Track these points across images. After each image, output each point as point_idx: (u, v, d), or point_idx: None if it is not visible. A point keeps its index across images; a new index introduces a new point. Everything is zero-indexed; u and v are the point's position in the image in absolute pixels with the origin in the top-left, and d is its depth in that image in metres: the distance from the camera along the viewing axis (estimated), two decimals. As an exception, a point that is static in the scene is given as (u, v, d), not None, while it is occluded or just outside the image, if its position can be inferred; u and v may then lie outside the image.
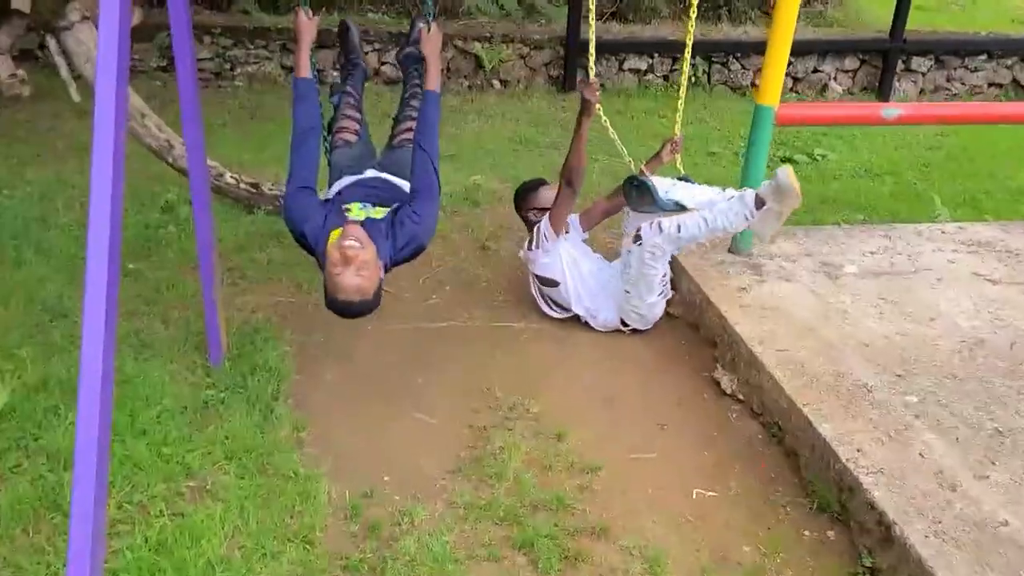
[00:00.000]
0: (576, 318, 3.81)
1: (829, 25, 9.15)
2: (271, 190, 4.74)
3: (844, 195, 5.32)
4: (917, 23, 7.64)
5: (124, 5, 2.37)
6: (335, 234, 2.61)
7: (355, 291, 2.52)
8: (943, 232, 4.35)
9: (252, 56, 7.27)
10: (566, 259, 3.71)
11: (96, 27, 4.39)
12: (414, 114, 3.44)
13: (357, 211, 2.80)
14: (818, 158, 5.88)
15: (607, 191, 4.40)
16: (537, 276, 3.80)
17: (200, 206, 3.21)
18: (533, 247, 3.70)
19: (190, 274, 4.02)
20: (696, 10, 3.60)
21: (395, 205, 2.80)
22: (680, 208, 3.53)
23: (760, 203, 3.42)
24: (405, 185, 3.02)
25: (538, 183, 3.91)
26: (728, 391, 3.32)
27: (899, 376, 3.05)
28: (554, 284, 3.74)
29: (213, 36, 7.12)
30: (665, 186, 3.61)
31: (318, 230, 2.65)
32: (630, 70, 7.54)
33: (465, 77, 7.43)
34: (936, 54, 7.75)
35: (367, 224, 2.65)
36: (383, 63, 7.31)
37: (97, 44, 4.45)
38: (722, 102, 7.31)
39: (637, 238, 3.52)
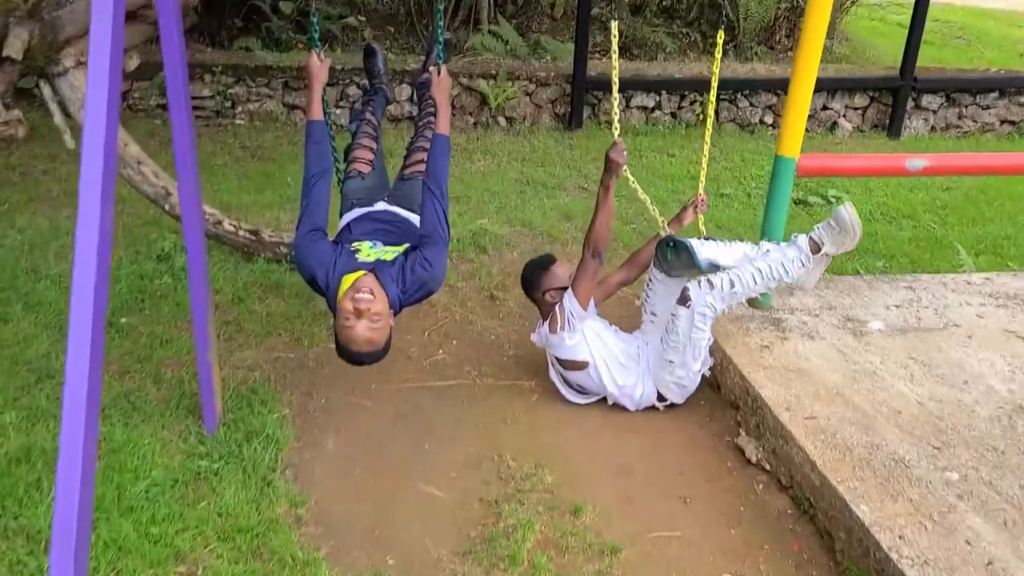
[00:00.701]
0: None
1: (836, 61, 9.08)
2: (271, 237, 4.58)
3: (862, 240, 5.04)
4: (923, 58, 7.53)
5: (115, 54, 2.25)
6: (347, 280, 2.63)
7: (366, 343, 2.58)
8: (969, 283, 4.18)
9: (254, 94, 7.15)
10: (591, 337, 3.35)
11: (91, 72, 4.26)
12: (426, 144, 3.37)
13: (367, 251, 2.79)
14: (832, 200, 5.73)
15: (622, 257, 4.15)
16: (560, 360, 3.42)
17: (195, 268, 3.03)
18: (558, 329, 3.33)
19: (186, 328, 3.85)
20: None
21: (405, 247, 2.79)
22: (716, 269, 3.28)
23: (816, 247, 3.26)
24: (414, 218, 3.04)
25: (548, 261, 3.55)
26: (753, 460, 3.14)
27: (937, 449, 2.87)
28: (582, 367, 3.36)
29: (214, 74, 7.00)
30: (694, 246, 3.35)
31: (329, 274, 2.68)
32: (637, 107, 7.42)
33: (470, 114, 7.31)
34: (947, 91, 7.63)
35: (377, 269, 2.66)
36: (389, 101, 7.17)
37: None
38: (731, 140, 7.18)
39: (684, 299, 3.21)
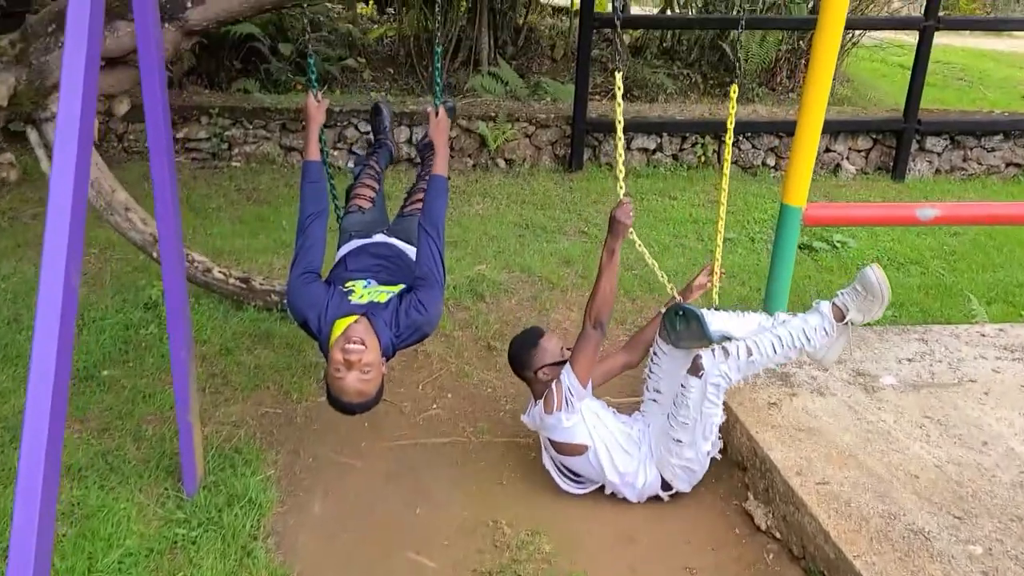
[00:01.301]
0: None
1: (838, 103, 9.03)
2: (262, 285, 4.45)
3: (869, 288, 5.01)
4: (925, 100, 7.46)
5: (87, 108, 2.15)
6: (339, 326, 2.55)
7: (356, 394, 2.51)
8: (983, 335, 4.04)
9: (251, 136, 7.08)
10: (589, 417, 3.00)
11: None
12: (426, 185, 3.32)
13: (360, 292, 2.71)
14: (838, 245, 5.61)
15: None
16: (556, 443, 3.05)
17: (175, 323, 2.90)
18: (555, 409, 2.96)
19: (171, 382, 3.67)
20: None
21: (400, 288, 2.72)
22: (727, 341, 3.00)
23: (840, 314, 3.04)
24: (412, 251, 2.97)
25: (535, 335, 3.14)
26: (763, 527, 2.97)
27: (958, 519, 2.70)
28: (580, 451, 3.00)
29: (211, 116, 6.95)
30: (705, 315, 3.03)
31: (321, 318, 2.61)
32: (638, 149, 7.34)
33: (470, 156, 7.23)
34: (951, 134, 7.55)
35: (370, 313, 2.58)
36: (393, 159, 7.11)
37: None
38: (734, 183, 7.07)
39: (696, 369, 2.89)
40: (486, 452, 3.46)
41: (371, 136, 3.83)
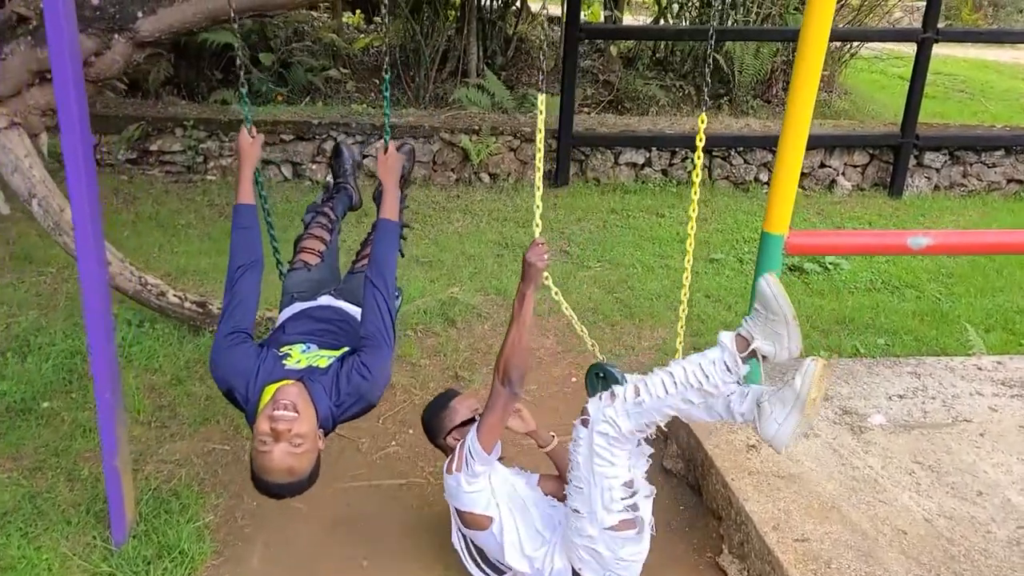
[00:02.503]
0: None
1: (835, 116, 8.82)
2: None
3: (861, 314, 4.79)
4: (925, 113, 7.24)
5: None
6: (268, 392, 2.23)
7: (284, 472, 2.15)
8: (979, 368, 3.80)
9: (227, 149, 6.87)
10: (500, 487, 2.57)
11: (23, 131, 3.96)
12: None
13: (297, 356, 2.39)
14: (830, 267, 5.38)
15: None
16: (459, 512, 2.59)
17: (100, 365, 2.67)
18: (454, 470, 2.53)
19: (112, 416, 3.47)
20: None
21: (343, 351, 2.40)
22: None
23: (744, 343, 2.37)
24: (359, 313, 2.62)
25: (447, 398, 2.77)
26: (736, 586, 2.73)
27: (949, 583, 2.46)
28: (482, 524, 2.54)
29: (185, 128, 6.74)
30: (629, 377, 2.54)
31: (249, 385, 2.27)
32: (626, 164, 7.12)
33: (452, 170, 7.02)
34: (950, 149, 7.32)
35: (307, 378, 2.26)
36: (365, 156, 6.89)
37: (25, 151, 3.99)
38: (724, 199, 6.86)
39: (583, 416, 2.45)
40: (443, 496, 3.22)
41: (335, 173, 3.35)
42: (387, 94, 2.84)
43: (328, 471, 3.28)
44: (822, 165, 7.30)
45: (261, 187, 2.99)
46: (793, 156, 3.11)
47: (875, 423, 3.33)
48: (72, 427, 3.48)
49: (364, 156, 3.14)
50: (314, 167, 6.88)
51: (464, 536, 2.66)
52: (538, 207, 2.69)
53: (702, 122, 2.87)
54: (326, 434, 2.25)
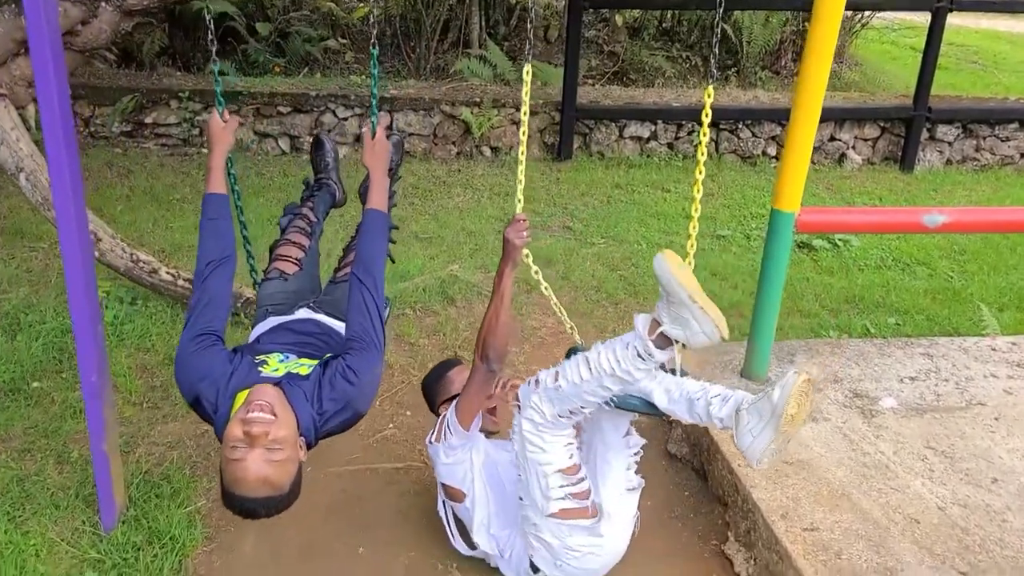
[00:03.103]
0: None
1: (846, 88, 8.64)
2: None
3: (872, 292, 4.67)
4: (937, 84, 7.06)
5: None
6: (241, 397, 1.99)
7: (260, 483, 1.88)
8: (993, 349, 3.69)
9: (214, 90, 6.71)
10: (480, 464, 2.52)
11: (10, 103, 3.84)
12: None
13: (275, 364, 2.16)
14: (840, 244, 5.25)
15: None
16: (441, 483, 2.60)
17: (85, 344, 2.58)
18: (434, 441, 2.54)
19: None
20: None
21: (326, 356, 2.19)
22: (648, 406, 2.41)
23: (655, 326, 2.17)
24: (342, 328, 2.42)
25: (446, 368, 2.81)
26: (742, 574, 2.64)
27: (964, 575, 2.37)
28: (458, 498, 2.55)
29: (181, 100, 6.60)
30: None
31: (219, 391, 2.02)
32: (631, 137, 6.97)
33: (453, 144, 6.88)
34: (963, 122, 7.16)
35: (286, 383, 2.03)
36: (363, 128, 6.76)
37: (12, 124, 3.88)
38: (732, 174, 6.72)
39: (517, 403, 2.41)
40: (443, 480, 3.14)
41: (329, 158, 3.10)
42: (375, 71, 2.59)
43: (323, 455, 3.20)
44: (832, 139, 7.15)
45: (234, 179, 2.77)
46: (805, 131, 2.99)
47: (886, 406, 3.24)
48: (62, 408, 3.40)
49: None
50: (310, 139, 6.74)
51: (446, 506, 2.64)
52: (520, 181, 2.60)
53: (708, 96, 2.63)
54: (308, 447, 2.02)
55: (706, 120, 2.70)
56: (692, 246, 2.79)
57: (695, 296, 2.08)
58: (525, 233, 2.45)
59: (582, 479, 2.38)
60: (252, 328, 2.56)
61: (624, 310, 4.41)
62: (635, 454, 2.56)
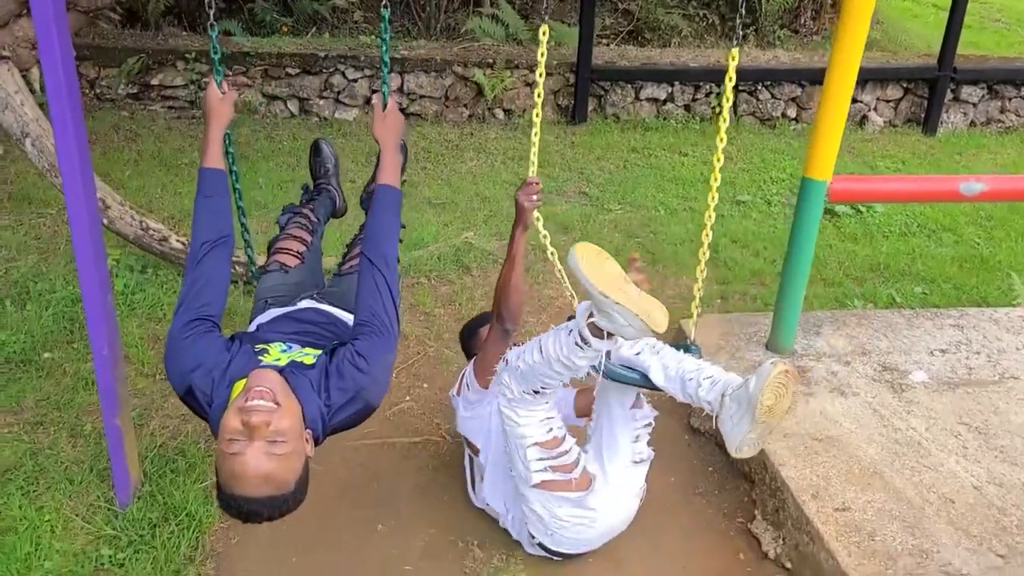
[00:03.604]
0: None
1: (867, 47, 8.38)
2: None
3: (897, 260, 4.56)
4: (961, 45, 6.86)
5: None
6: (239, 385, 1.79)
7: (262, 481, 1.66)
8: (1026, 320, 3.60)
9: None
10: (497, 423, 2.50)
11: (13, 66, 3.73)
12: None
13: (277, 354, 1.98)
14: (863, 210, 5.13)
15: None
16: (462, 435, 2.70)
17: (95, 313, 2.50)
18: (455, 392, 2.65)
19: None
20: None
21: (332, 344, 2.00)
22: (645, 380, 2.42)
23: (588, 315, 2.12)
24: (349, 318, 2.25)
25: (479, 322, 2.88)
26: (771, 555, 2.59)
27: (1002, 557, 2.31)
28: (474, 452, 2.65)
29: (187, 61, 6.44)
30: (642, 348, 2.46)
31: (215, 380, 1.82)
32: (647, 99, 6.80)
33: (465, 106, 6.73)
34: (989, 83, 6.96)
35: (289, 371, 1.83)
36: (374, 91, 6.61)
37: (16, 87, 3.77)
38: (750, 137, 6.56)
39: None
40: (460, 455, 3.06)
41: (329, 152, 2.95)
42: (386, 36, 2.38)
43: (340, 428, 3.15)
44: (853, 100, 6.94)
45: (232, 157, 2.60)
46: (840, 95, 2.86)
47: (917, 380, 3.15)
48: (74, 379, 3.34)
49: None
50: (321, 102, 6.61)
51: (468, 458, 2.73)
52: (534, 144, 2.54)
53: (732, 58, 2.49)
54: (317, 442, 1.82)
55: (730, 84, 2.58)
56: (710, 217, 2.71)
57: (607, 292, 2.02)
58: (535, 197, 2.46)
59: (564, 452, 2.38)
60: (250, 321, 2.38)
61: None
62: (644, 426, 2.55)
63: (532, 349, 2.25)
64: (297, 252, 2.52)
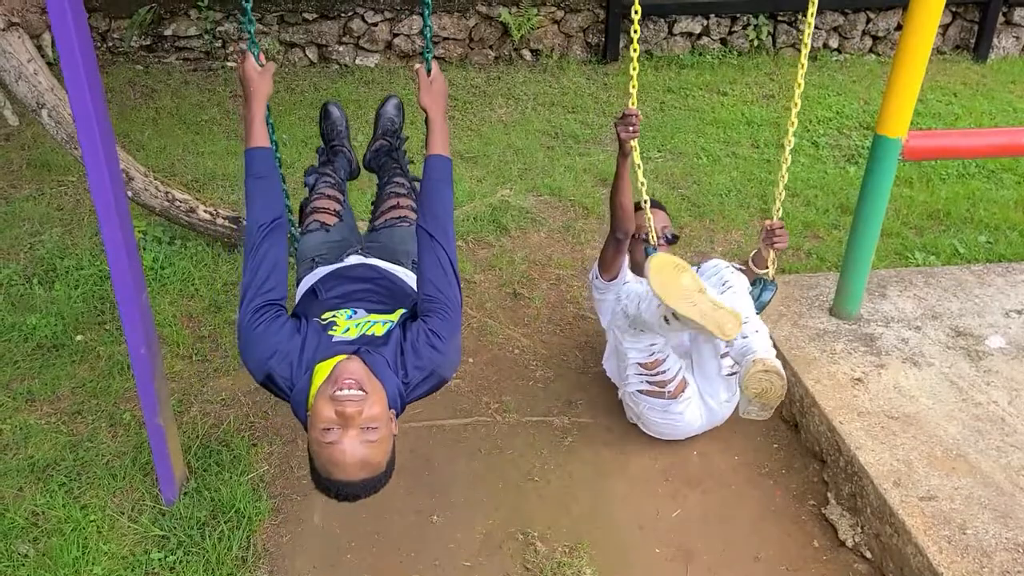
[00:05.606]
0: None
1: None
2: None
3: (957, 206, 4.32)
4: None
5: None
6: (321, 371, 1.81)
7: (359, 466, 1.74)
8: (1106, 274, 3.38)
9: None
10: (625, 298, 2.71)
11: (23, 32, 3.52)
12: (400, 190, 2.62)
13: (345, 323, 1.98)
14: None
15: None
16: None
17: (131, 318, 2.36)
18: (591, 277, 3.02)
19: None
20: None
21: (401, 314, 2.01)
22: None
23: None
24: (400, 272, 2.27)
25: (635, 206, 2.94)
26: (848, 543, 2.46)
27: (1105, 551, 2.16)
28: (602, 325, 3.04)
29: (200, 9, 6.17)
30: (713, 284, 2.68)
31: (293, 366, 1.85)
32: (681, 34, 6.46)
33: (491, 48, 6.42)
34: (1045, 4, 6.54)
35: (365, 352, 1.84)
36: (395, 35, 6.32)
37: (28, 55, 3.56)
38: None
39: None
40: (513, 436, 2.96)
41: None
42: (428, 0, 2.20)
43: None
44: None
45: (272, 128, 2.41)
46: (921, 40, 2.59)
47: (994, 346, 2.97)
48: (109, 364, 3.23)
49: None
50: (341, 48, 6.33)
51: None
52: (634, 69, 2.60)
53: None
54: (397, 417, 1.86)
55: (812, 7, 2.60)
56: (783, 176, 2.80)
57: (678, 308, 2.31)
58: (632, 128, 2.61)
59: (663, 371, 2.70)
60: (297, 284, 2.34)
61: (690, 235, 4.11)
62: (729, 375, 2.74)
63: (636, 301, 2.60)
64: (334, 211, 2.52)
